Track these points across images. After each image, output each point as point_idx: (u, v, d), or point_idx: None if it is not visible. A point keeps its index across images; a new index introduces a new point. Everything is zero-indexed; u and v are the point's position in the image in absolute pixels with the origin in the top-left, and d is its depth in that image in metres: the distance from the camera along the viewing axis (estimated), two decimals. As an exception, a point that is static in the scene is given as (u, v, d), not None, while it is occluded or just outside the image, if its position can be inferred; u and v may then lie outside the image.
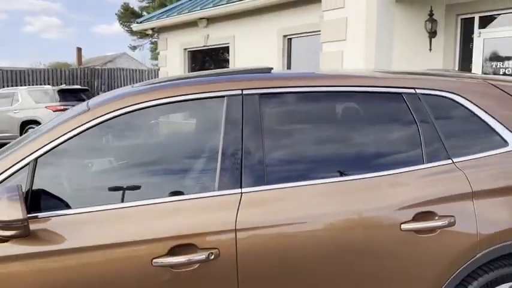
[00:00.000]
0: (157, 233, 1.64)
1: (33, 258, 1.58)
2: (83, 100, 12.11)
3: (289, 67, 8.65)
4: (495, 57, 6.11)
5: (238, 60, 9.57)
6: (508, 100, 2.10)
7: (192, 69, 11.16)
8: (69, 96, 11.87)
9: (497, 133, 2.03)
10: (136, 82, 28.89)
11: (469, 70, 6.22)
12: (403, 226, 1.82)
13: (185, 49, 11.01)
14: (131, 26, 12.31)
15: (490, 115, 2.05)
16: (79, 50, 33.52)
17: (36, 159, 1.68)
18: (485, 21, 6.17)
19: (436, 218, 1.84)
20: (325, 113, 2.07)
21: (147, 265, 1.62)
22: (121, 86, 25.07)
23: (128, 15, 40.66)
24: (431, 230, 1.84)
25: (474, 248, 1.87)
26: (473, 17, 6.19)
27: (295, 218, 1.77)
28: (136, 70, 26.94)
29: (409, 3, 6.40)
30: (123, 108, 1.79)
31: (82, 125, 1.74)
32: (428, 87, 2.07)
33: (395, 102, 2.03)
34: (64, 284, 1.58)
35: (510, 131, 2.04)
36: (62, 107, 11.34)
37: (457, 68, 6.32)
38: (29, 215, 1.56)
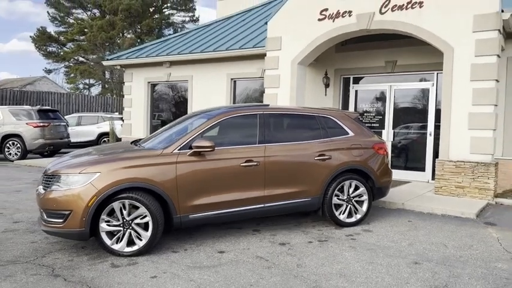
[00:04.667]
0: (243, 156, 5.18)
1: (209, 160, 4.98)
2: (54, 118, 14.49)
3: (234, 100, 12.33)
4: (361, 101, 10.46)
5: (195, 93, 12.96)
6: (349, 119, 6.07)
7: (154, 98, 14.31)
8: (44, 115, 14.18)
9: (345, 130, 5.97)
10: (64, 105, 29.44)
11: (347, 107, 10.48)
12: (315, 158, 5.58)
13: (149, 82, 14.15)
14: (102, 60, 14.82)
15: (343, 123, 5.98)
16: (-6, 70, 33.22)
17: (201, 133, 5.12)
18: (356, 80, 10.54)
19: (325, 156, 5.64)
20: (289, 121, 5.84)
21: (238, 166, 5.14)
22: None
23: (44, 39, 40.98)
24: (324, 159, 5.63)
25: (335, 168, 5.67)
26: (350, 77, 10.54)
27: (279, 154, 5.42)
28: (64, 94, 28.59)
29: (315, 67, 10.56)
30: (227, 116, 5.33)
31: (214, 122, 5.23)
32: (323, 114, 5.95)
33: (312, 119, 5.84)
34: (217, 170, 5.01)
35: (349, 129, 5.97)
36: (42, 124, 13.69)
37: (340, 106, 10.55)
38: None
